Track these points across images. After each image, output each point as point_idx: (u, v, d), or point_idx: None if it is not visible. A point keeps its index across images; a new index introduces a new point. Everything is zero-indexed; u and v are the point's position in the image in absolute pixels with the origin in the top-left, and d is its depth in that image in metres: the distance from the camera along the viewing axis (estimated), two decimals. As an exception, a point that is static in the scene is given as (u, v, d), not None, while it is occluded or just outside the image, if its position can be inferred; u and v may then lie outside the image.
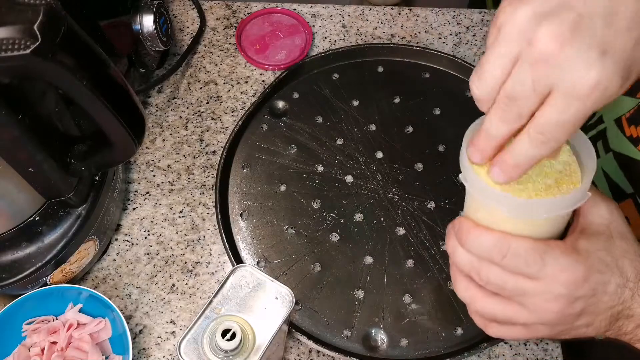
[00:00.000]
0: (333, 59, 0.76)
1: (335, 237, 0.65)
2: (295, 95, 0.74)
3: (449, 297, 0.61)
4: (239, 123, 0.70)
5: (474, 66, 0.74)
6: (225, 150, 0.68)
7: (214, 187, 0.67)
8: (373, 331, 0.60)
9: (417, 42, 0.79)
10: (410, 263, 0.63)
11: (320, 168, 0.69)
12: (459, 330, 0.60)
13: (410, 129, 0.72)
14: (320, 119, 0.72)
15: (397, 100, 0.74)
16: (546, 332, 0.43)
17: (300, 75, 0.75)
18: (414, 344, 0.59)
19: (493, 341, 0.58)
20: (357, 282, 0.62)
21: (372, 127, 0.72)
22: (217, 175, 0.67)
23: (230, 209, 0.67)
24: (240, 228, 0.65)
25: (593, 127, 0.62)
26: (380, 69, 0.76)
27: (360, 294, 0.62)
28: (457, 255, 0.43)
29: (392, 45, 0.77)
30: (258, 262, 0.64)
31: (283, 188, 0.68)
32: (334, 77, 0.76)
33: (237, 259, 0.63)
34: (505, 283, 0.41)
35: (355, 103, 0.74)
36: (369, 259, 0.64)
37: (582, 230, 0.43)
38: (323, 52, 0.76)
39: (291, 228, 0.65)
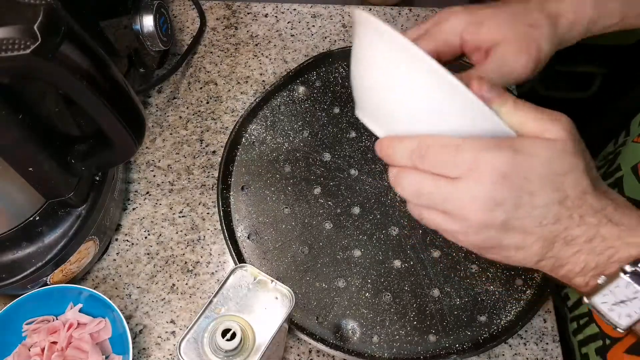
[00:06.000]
0: None
1: (328, 225, 0.65)
2: (318, 84, 0.75)
3: (429, 303, 0.62)
4: (257, 100, 0.71)
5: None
6: (239, 124, 0.69)
7: (222, 154, 0.68)
8: (346, 322, 0.61)
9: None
10: (397, 263, 0.64)
11: (327, 156, 0.70)
12: (432, 338, 0.60)
13: None
14: (337, 110, 0.73)
15: None
16: (476, 242, 0.38)
17: (327, 64, 0.76)
18: (385, 342, 0.60)
19: (463, 354, 0.59)
20: (340, 272, 0.63)
21: None
22: (226, 145, 0.68)
23: (233, 180, 0.68)
24: (238, 200, 0.67)
25: (612, 174, 0.62)
26: None
27: (341, 284, 0.62)
28: (389, 176, 0.39)
29: None
30: (249, 236, 0.65)
31: (287, 169, 0.69)
32: None
33: (229, 229, 0.64)
34: (422, 188, 0.37)
35: None
36: (356, 252, 0.64)
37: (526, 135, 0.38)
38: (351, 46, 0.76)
39: (287, 209, 0.66)
